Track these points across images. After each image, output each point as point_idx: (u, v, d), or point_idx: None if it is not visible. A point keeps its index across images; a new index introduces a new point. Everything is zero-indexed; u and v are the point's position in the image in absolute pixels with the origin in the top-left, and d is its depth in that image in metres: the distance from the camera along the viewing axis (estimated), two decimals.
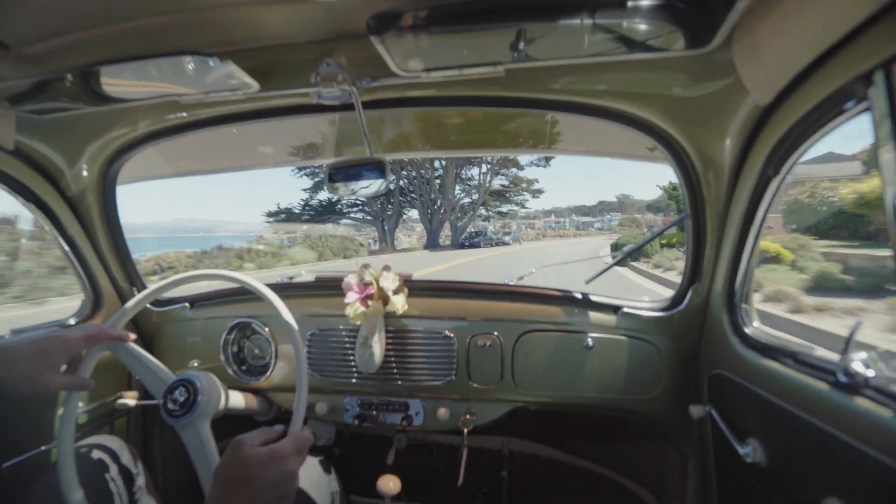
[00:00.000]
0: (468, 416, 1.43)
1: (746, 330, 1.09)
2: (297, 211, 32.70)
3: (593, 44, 0.84)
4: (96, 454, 1.15)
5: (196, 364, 1.53)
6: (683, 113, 1.06)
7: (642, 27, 0.78)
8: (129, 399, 1.39)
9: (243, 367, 1.55)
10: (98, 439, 1.22)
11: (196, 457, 0.99)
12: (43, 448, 1.21)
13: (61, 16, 0.83)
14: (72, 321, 1.44)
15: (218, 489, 0.75)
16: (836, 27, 0.66)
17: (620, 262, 1.63)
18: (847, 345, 0.75)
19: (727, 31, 0.76)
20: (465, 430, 1.43)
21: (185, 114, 1.23)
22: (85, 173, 1.35)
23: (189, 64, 0.91)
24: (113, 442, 1.22)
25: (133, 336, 1.03)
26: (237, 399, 1.32)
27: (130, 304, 1.07)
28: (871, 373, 0.71)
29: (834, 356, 0.79)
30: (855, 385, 0.72)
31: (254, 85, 1.01)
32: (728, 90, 0.94)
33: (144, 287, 1.57)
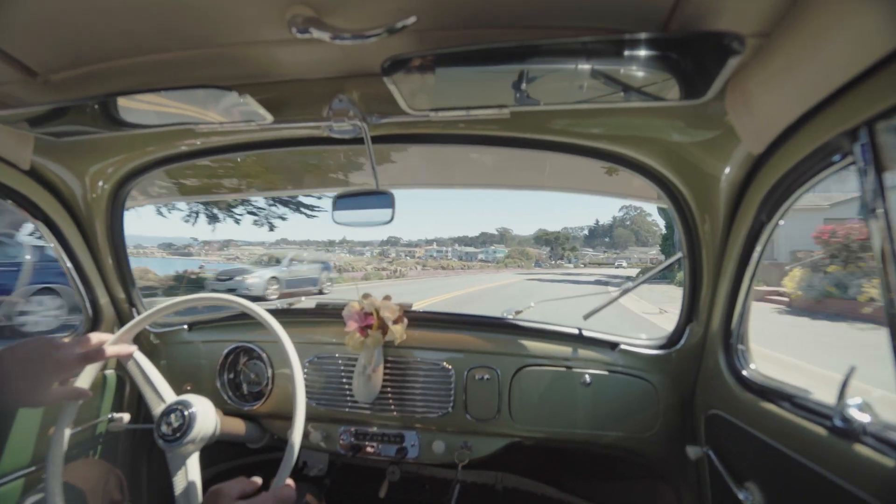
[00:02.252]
0: (464, 450, 1.41)
1: (743, 371, 1.10)
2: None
3: (593, 90, 0.88)
4: (83, 477, 1.12)
5: (189, 388, 1.51)
6: (680, 158, 1.11)
7: (640, 76, 0.83)
8: (121, 421, 1.37)
9: (238, 393, 1.54)
10: (85, 462, 1.20)
11: (178, 485, 0.97)
12: (32, 468, 1.19)
13: (90, 47, 0.87)
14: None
15: None
16: (824, 85, 0.70)
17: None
18: (842, 389, 0.76)
19: (721, 85, 0.80)
20: (460, 465, 1.41)
21: (198, 141, 1.26)
22: (95, 194, 1.37)
23: (208, 95, 0.94)
24: (100, 466, 1.20)
25: (135, 348, 1.03)
26: (230, 425, 1.31)
27: (138, 319, 1.08)
28: (866, 418, 0.72)
29: (830, 400, 0.80)
30: (852, 431, 0.73)
31: (268, 117, 1.04)
32: (723, 138, 0.99)
33: (145, 309, 1.57)
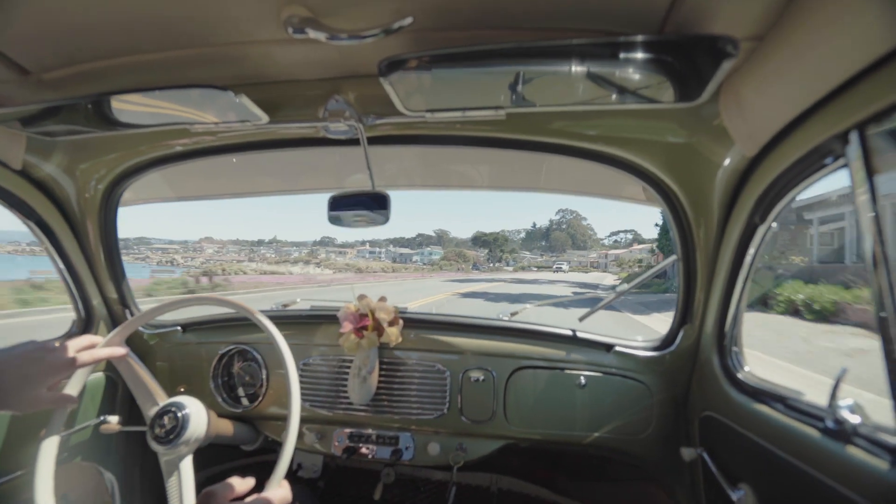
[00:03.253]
0: (459, 452, 1.41)
1: (737, 373, 1.10)
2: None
3: (589, 92, 0.89)
4: (74, 481, 1.11)
5: (183, 390, 1.50)
6: (675, 160, 1.11)
7: (635, 79, 0.83)
8: (113, 424, 1.36)
9: (233, 395, 1.53)
10: (77, 466, 1.18)
11: (172, 488, 0.97)
12: (20, 472, 1.17)
13: (83, 45, 0.87)
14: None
15: None
16: (816, 89, 0.71)
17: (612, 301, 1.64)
18: (834, 391, 0.76)
19: (714, 88, 0.81)
20: (455, 467, 1.41)
21: (193, 141, 1.25)
22: (88, 195, 1.36)
23: (203, 95, 0.94)
24: (92, 469, 1.19)
25: (127, 350, 1.02)
26: (224, 427, 1.30)
27: (130, 320, 1.07)
28: (856, 419, 0.73)
29: (822, 402, 0.80)
30: (843, 432, 0.73)
31: (264, 117, 1.04)
32: (717, 141, 1.00)
33: (138, 310, 1.56)
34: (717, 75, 0.76)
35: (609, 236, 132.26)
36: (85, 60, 0.91)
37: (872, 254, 0.65)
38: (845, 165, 0.70)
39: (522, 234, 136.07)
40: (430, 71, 0.82)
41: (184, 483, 0.97)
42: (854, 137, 0.66)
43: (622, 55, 0.75)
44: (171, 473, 0.98)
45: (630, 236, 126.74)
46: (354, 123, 1.07)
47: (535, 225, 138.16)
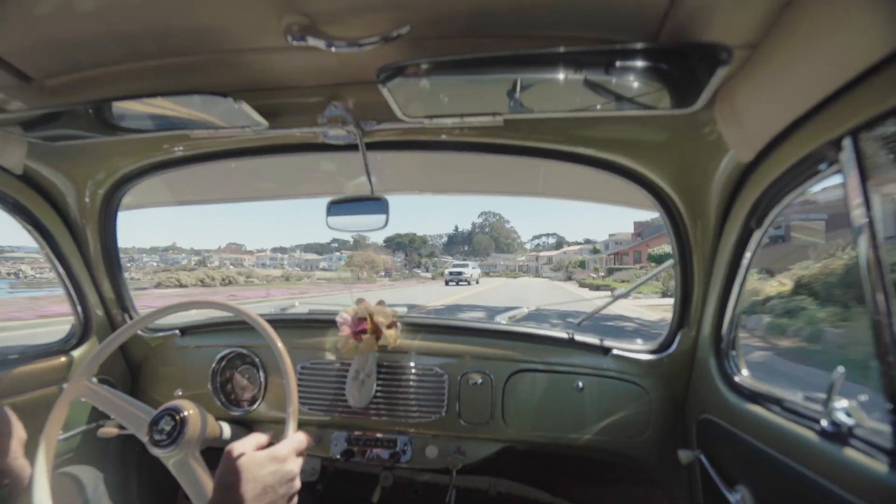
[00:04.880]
0: (457, 455, 1.41)
1: (734, 376, 1.11)
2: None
3: (586, 98, 0.90)
4: (71, 481, 1.11)
5: (180, 393, 1.50)
6: (671, 166, 1.12)
7: (632, 86, 0.84)
8: (111, 427, 1.36)
9: (231, 398, 1.53)
10: (74, 469, 1.18)
11: (188, 484, 0.96)
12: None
13: (85, 52, 0.87)
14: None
15: (218, 495, 0.74)
16: (810, 96, 0.72)
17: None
18: (830, 392, 0.77)
19: (710, 94, 0.82)
20: (454, 470, 1.41)
21: (193, 146, 1.26)
22: (88, 199, 1.37)
23: (203, 101, 0.95)
24: (89, 472, 1.19)
25: (86, 389, 1.02)
26: (224, 431, 1.30)
27: (118, 332, 1.07)
28: (852, 421, 0.73)
29: (818, 404, 0.81)
30: (839, 434, 0.74)
31: (263, 123, 1.05)
32: (713, 147, 1.00)
33: (136, 313, 1.56)
34: (711, 82, 0.77)
35: (532, 240, 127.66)
36: (87, 67, 0.92)
37: (866, 259, 0.65)
38: (839, 171, 0.71)
39: (445, 239, 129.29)
40: (428, 78, 0.83)
41: (197, 475, 0.96)
42: (847, 143, 0.67)
43: (618, 62, 0.76)
44: (184, 473, 0.97)
45: (552, 240, 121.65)
46: (353, 129, 1.08)
47: (457, 228, 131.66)
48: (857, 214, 0.66)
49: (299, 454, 0.83)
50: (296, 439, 0.84)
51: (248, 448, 0.78)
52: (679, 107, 0.87)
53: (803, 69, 0.70)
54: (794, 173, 0.84)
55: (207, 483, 0.95)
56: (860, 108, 0.65)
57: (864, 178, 0.66)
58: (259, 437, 0.83)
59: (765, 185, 0.92)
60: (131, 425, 1.03)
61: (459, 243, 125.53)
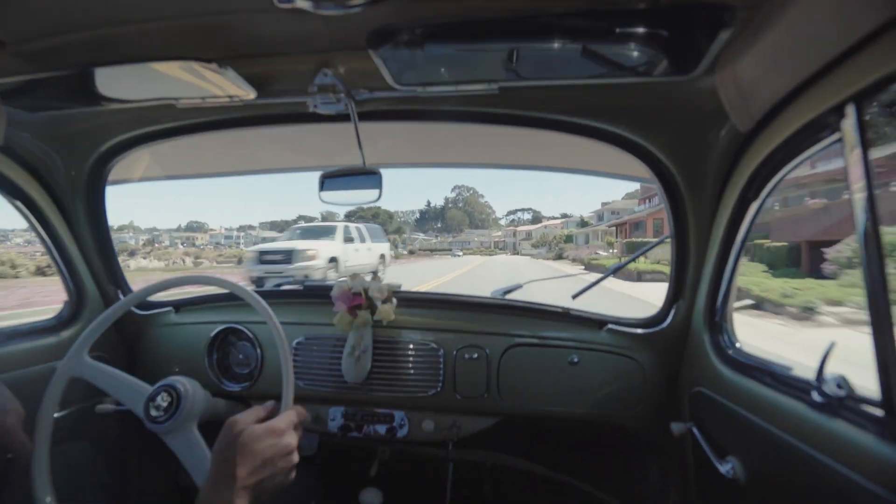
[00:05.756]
0: (453, 429, 1.43)
1: (727, 349, 1.12)
2: None
3: (583, 66, 0.87)
4: (71, 459, 1.12)
5: (178, 370, 1.50)
6: (669, 136, 1.10)
7: (630, 52, 0.81)
8: (109, 405, 1.36)
9: (227, 374, 1.53)
10: (74, 445, 1.19)
11: (187, 459, 0.96)
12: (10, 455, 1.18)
13: (61, 15, 0.83)
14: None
15: (217, 468, 0.74)
16: (812, 61, 0.70)
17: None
18: (821, 365, 0.77)
19: (710, 61, 0.79)
20: (451, 444, 1.43)
21: (180, 117, 1.23)
22: (74, 173, 1.34)
23: (188, 68, 0.92)
24: (87, 449, 1.20)
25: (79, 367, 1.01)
26: (220, 405, 1.30)
27: (112, 308, 1.06)
28: (843, 393, 0.74)
29: (810, 375, 0.82)
30: (830, 405, 0.75)
31: (251, 92, 1.02)
32: (712, 116, 0.98)
33: (129, 289, 1.55)
34: (712, 48, 0.75)
35: (507, 215, 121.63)
36: (64, 31, 0.88)
37: (864, 231, 0.64)
38: (840, 140, 0.69)
39: (417, 215, 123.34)
40: (420, 43, 0.80)
41: (197, 450, 0.96)
42: (850, 111, 0.65)
43: (617, 24, 0.73)
44: (183, 448, 0.98)
45: (528, 215, 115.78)
46: (345, 98, 1.05)
47: (429, 204, 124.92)
48: (857, 186, 0.65)
49: (297, 428, 0.83)
50: (293, 413, 0.85)
51: (247, 422, 0.78)
52: (679, 73, 0.85)
53: (808, 31, 0.67)
54: (795, 142, 0.82)
55: (206, 457, 0.96)
56: (865, 72, 0.63)
57: (865, 146, 0.64)
58: (258, 411, 0.83)
59: (764, 155, 0.91)
60: (128, 401, 1.03)
61: (432, 219, 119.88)
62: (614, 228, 38.25)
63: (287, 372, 0.94)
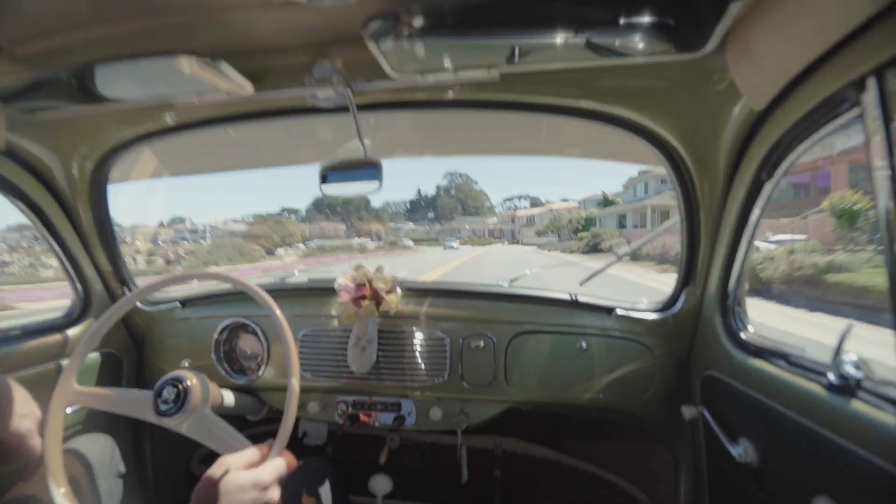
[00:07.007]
0: (461, 417, 1.43)
1: (739, 332, 1.10)
2: None
3: (587, 49, 0.84)
4: (84, 451, 1.14)
5: (187, 364, 1.52)
6: (679, 117, 1.07)
7: (636, 31, 0.78)
8: None
9: (235, 367, 1.54)
10: (87, 437, 1.21)
11: (211, 440, 0.96)
12: None
13: (54, 16, 0.82)
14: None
15: None
16: (829, 33, 0.66)
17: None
18: (838, 346, 0.76)
19: (720, 37, 0.76)
20: (460, 431, 1.43)
21: (178, 115, 1.22)
22: (76, 172, 1.34)
23: (184, 65, 0.90)
24: (102, 440, 1.21)
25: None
26: (228, 398, 1.31)
27: (118, 304, 1.07)
28: (861, 375, 0.72)
29: (826, 358, 0.80)
30: (846, 387, 0.73)
31: (248, 86, 1.00)
32: (723, 95, 0.95)
33: (136, 286, 1.56)
34: (722, 22, 0.71)
35: (503, 202, 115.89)
36: (58, 31, 0.87)
37: (886, 209, 0.62)
38: (860, 115, 0.66)
39: (408, 205, 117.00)
40: (417, 30, 0.78)
41: (217, 430, 0.97)
42: (871, 83, 0.62)
43: (620, 2, 0.70)
44: (204, 431, 0.98)
45: (525, 202, 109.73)
46: (343, 89, 1.03)
47: (420, 192, 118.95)
48: (879, 162, 0.62)
49: (281, 481, 0.83)
50: (282, 463, 0.84)
51: (237, 466, 0.78)
52: (688, 50, 0.81)
53: (825, 1, 0.64)
54: (811, 119, 0.79)
55: (230, 433, 0.96)
56: (886, 43, 0.60)
57: (887, 120, 0.61)
58: (249, 454, 0.82)
59: (779, 134, 0.87)
60: (136, 413, 1.03)
61: (423, 209, 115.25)
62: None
63: (292, 368, 0.94)
